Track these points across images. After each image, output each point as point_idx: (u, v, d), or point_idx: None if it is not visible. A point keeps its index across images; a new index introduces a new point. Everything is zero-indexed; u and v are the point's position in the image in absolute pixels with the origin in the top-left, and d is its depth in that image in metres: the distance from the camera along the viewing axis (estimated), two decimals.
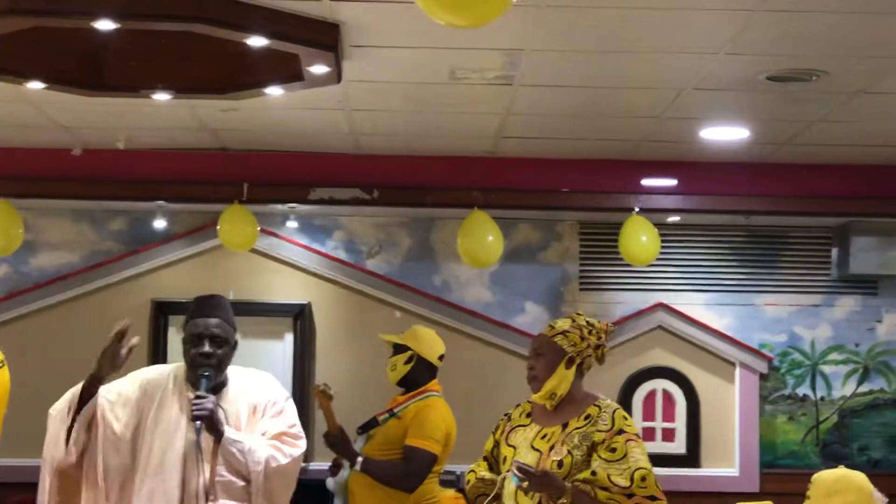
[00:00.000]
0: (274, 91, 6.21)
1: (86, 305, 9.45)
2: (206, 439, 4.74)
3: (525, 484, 4.81)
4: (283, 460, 4.83)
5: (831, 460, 9.22)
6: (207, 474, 4.70)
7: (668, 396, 9.55)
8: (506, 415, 5.30)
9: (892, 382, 9.62)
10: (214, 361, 4.85)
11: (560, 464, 4.89)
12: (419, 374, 6.55)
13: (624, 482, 4.80)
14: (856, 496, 4.16)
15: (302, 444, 4.95)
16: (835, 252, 9.53)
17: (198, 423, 4.69)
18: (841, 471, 4.26)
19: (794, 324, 9.63)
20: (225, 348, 4.89)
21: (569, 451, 4.91)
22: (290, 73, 5.96)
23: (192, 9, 5.07)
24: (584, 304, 9.50)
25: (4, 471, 8.81)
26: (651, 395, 9.53)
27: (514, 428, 5.16)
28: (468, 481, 5.24)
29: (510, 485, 4.97)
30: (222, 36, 5.31)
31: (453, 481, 8.66)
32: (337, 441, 6.43)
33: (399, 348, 6.59)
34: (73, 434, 4.69)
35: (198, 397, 4.74)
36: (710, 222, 9.48)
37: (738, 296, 9.65)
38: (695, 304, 9.62)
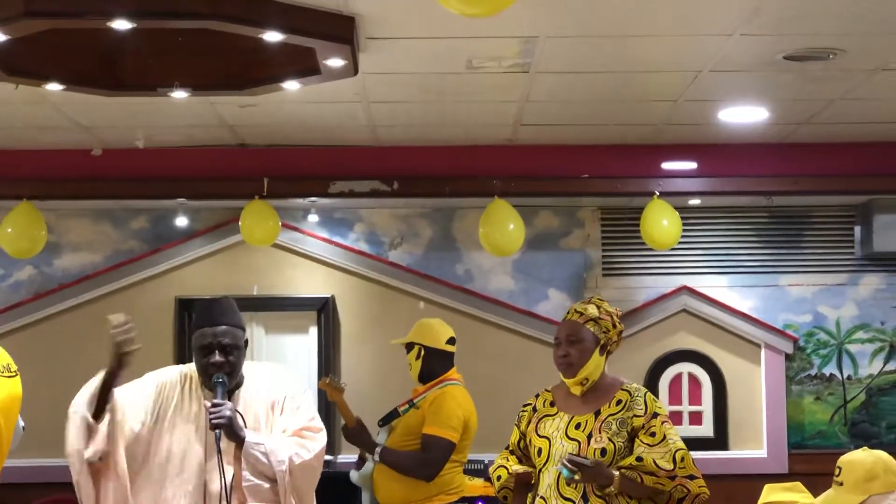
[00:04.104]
0: (291, 85, 6.22)
1: (110, 305, 9.47)
2: (227, 443, 4.74)
3: (577, 475, 4.80)
4: (307, 456, 4.84)
5: (860, 439, 9.20)
6: (229, 477, 4.71)
7: (693, 379, 9.54)
8: (526, 405, 5.27)
9: None
10: (227, 369, 4.84)
11: (603, 452, 4.90)
12: (433, 365, 6.57)
13: (668, 465, 4.85)
14: (893, 477, 4.12)
15: (322, 437, 4.94)
16: (858, 230, 9.49)
17: (217, 431, 4.69)
18: (873, 453, 4.20)
19: (818, 303, 9.61)
20: (235, 353, 4.87)
21: (609, 439, 4.92)
22: (306, 66, 5.97)
23: (208, 6, 5.08)
24: (608, 290, 9.50)
25: (31, 471, 8.82)
26: (677, 379, 9.52)
27: (542, 418, 5.14)
28: (499, 477, 5.18)
29: (553, 477, 4.95)
30: (238, 32, 5.33)
31: (481, 470, 8.67)
32: (354, 433, 6.46)
33: (409, 346, 6.63)
34: (102, 427, 4.70)
35: (214, 405, 4.72)
36: (731, 204, 9.47)
37: (761, 277, 9.63)
38: (718, 287, 9.61)
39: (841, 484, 4.15)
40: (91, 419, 4.69)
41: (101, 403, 4.71)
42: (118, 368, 4.69)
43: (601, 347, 5.08)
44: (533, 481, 5.10)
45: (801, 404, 9.57)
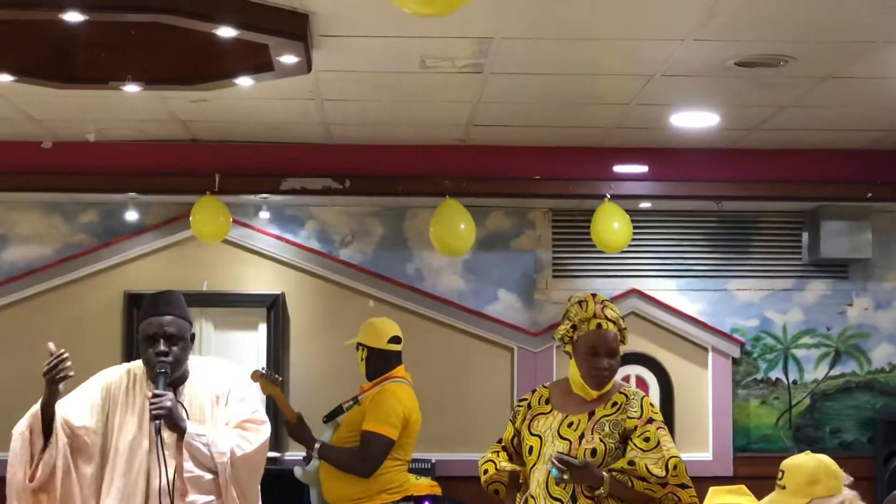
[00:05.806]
0: (244, 81, 6.21)
1: (59, 298, 9.43)
2: (170, 435, 4.74)
3: (566, 475, 4.76)
4: (248, 448, 4.83)
5: (804, 444, 9.27)
6: (172, 470, 4.70)
7: (641, 382, 9.58)
8: (522, 401, 5.20)
9: (864, 365, 9.68)
10: (171, 359, 4.83)
11: (593, 452, 4.86)
12: (377, 364, 6.60)
13: (660, 472, 4.81)
14: (835, 480, 4.16)
15: (265, 429, 4.94)
16: (805, 236, 9.58)
17: (157, 421, 4.68)
18: (815, 457, 4.24)
19: (765, 308, 9.68)
20: (180, 345, 4.87)
21: (601, 440, 4.88)
22: (259, 63, 5.96)
23: (161, 0, 5.07)
24: (557, 292, 9.53)
25: None
26: (625, 381, 9.54)
27: (535, 416, 5.07)
28: (485, 471, 5.11)
29: (543, 476, 4.91)
30: (191, 27, 5.30)
31: (427, 469, 8.67)
32: (294, 429, 6.47)
33: (358, 346, 6.66)
34: (45, 456, 4.70)
35: (155, 395, 4.72)
36: (681, 208, 9.51)
37: (710, 281, 9.69)
38: (667, 290, 9.66)
39: (784, 487, 4.18)
40: (32, 445, 4.70)
41: (45, 430, 4.72)
42: (53, 397, 4.70)
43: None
44: (521, 479, 5.05)
45: (746, 408, 9.64)
